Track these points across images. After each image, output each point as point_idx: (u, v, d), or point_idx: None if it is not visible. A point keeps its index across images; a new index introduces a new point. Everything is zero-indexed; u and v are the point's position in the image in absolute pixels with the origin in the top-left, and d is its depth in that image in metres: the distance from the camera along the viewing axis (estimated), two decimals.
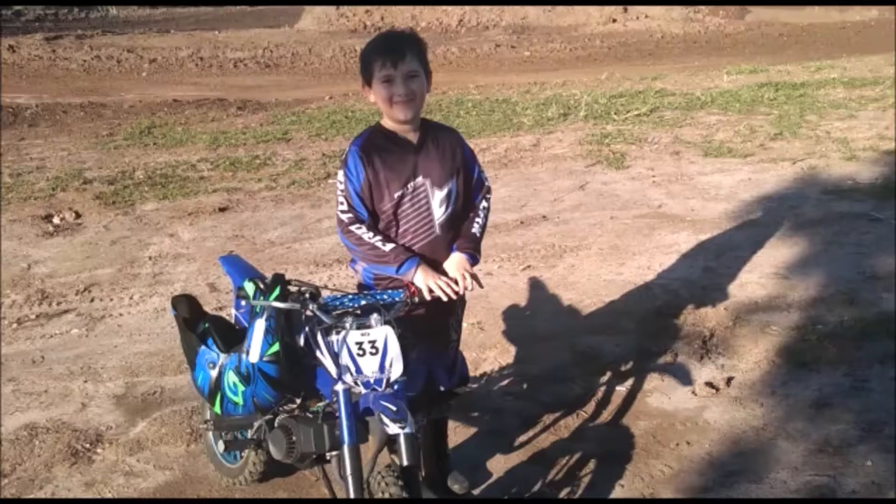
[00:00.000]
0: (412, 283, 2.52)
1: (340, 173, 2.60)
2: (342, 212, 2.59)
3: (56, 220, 6.25)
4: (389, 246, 2.54)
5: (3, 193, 6.91)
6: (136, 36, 20.33)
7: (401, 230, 2.61)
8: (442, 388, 2.81)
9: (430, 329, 2.68)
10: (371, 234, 2.55)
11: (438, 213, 2.61)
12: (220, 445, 2.97)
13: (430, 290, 2.51)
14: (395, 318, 2.44)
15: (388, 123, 2.62)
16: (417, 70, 2.53)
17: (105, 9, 29.17)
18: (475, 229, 2.69)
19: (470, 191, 2.70)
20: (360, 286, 2.75)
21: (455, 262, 2.61)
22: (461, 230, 2.68)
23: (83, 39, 19.27)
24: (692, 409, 3.52)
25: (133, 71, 16.14)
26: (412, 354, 2.52)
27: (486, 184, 2.78)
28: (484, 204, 2.74)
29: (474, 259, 2.65)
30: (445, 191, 2.61)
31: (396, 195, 2.56)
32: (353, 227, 2.57)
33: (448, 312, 2.73)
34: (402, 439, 2.31)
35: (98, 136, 9.39)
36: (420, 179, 2.58)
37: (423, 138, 2.62)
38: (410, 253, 2.56)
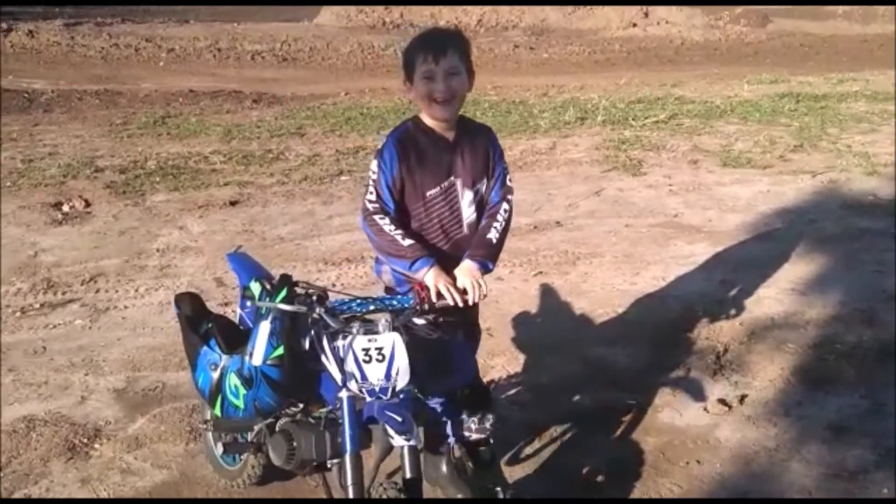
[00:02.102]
0: (421, 288, 2.44)
1: (374, 163, 2.56)
2: (369, 201, 2.56)
3: (65, 208, 6.21)
4: (408, 241, 2.50)
5: (14, 179, 6.88)
6: (155, 25, 20.33)
7: (430, 228, 2.58)
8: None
9: (465, 322, 2.65)
10: (393, 226, 2.52)
11: (467, 213, 2.61)
12: (220, 447, 2.90)
13: (439, 293, 2.43)
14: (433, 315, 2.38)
15: (426, 119, 2.58)
16: (459, 67, 2.49)
17: None
18: (491, 234, 2.61)
19: (489, 189, 2.65)
20: (388, 290, 2.70)
21: (465, 270, 2.52)
22: (478, 233, 2.61)
23: (102, 27, 19.27)
24: (703, 426, 3.43)
25: (150, 60, 16.14)
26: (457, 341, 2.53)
27: (509, 184, 2.70)
28: (504, 206, 2.66)
29: (486, 266, 2.55)
30: (474, 191, 2.60)
31: (429, 194, 2.55)
32: (376, 217, 2.53)
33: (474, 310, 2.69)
34: (405, 451, 2.24)
35: (112, 124, 9.37)
36: (452, 179, 2.57)
37: (459, 137, 2.60)
38: (427, 251, 2.50)
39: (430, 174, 2.55)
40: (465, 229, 2.61)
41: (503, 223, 2.63)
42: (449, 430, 2.51)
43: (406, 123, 2.64)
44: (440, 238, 2.59)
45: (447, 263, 2.54)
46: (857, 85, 12.04)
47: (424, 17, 22.67)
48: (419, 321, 2.45)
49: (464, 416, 2.53)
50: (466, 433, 2.55)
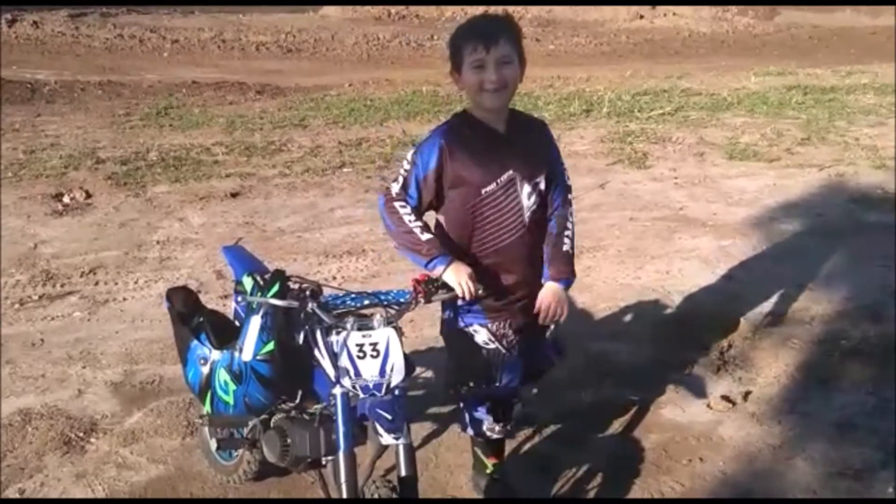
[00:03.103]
0: (417, 283, 2.39)
1: (410, 154, 2.49)
2: (394, 187, 2.49)
3: (66, 200, 6.18)
4: (427, 236, 2.43)
5: (15, 170, 6.86)
6: (160, 16, 20.27)
7: (487, 226, 2.49)
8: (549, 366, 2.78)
9: (533, 318, 2.58)
10: (413, 217, 2.45)
11: (528, 204, 2.49)
12: (214, 442, 2.87)
13: (435, 289, 2.39)
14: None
15: (475, 111, 2.49)
16: (510, 56, 2.39)
17: None
18: (567, 247, 2.57)
19: (553, 186, 2.56)
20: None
21: (550, 294, 2.52)
22: (552, 247, 2.56)
23: (107, 17, 19.22)
24: (706, 423, 3.38)
25: (155, 51, 16.08)
26: (514, 352, 2.56)
27: (568, 182, 2.64)
28: (570, 210, 2.61)
29: (569, 283, 2.57)
30: (533, 183, 2.49)
31: (485, 191, 2.44)
32: (397, 204, 2.47)
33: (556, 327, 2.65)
34: (399, 449, 2.20)
35: (115, 115, 9.33)
36: (511, 173, 2.46)
37: (511, 129, 2.50)
38: (444, 250, 2.43)
39: (484, 170, 2.44)
40: (527, 225, 2.51)
41: (573, 230, 2.60)
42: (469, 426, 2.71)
43: (452, 119, 2.55)
44: (500, 234, 2.49)
45: (509, 258, 2.50)
46: (866, 77, 11.92)
47: (430, 8, 22.56)
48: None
49: (487, 416, 2.65)
50: (488, 432, 2.71)
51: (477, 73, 2.38)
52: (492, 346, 2.57)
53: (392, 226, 2.49)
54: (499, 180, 2.44)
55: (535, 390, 3.59)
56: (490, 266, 2.51)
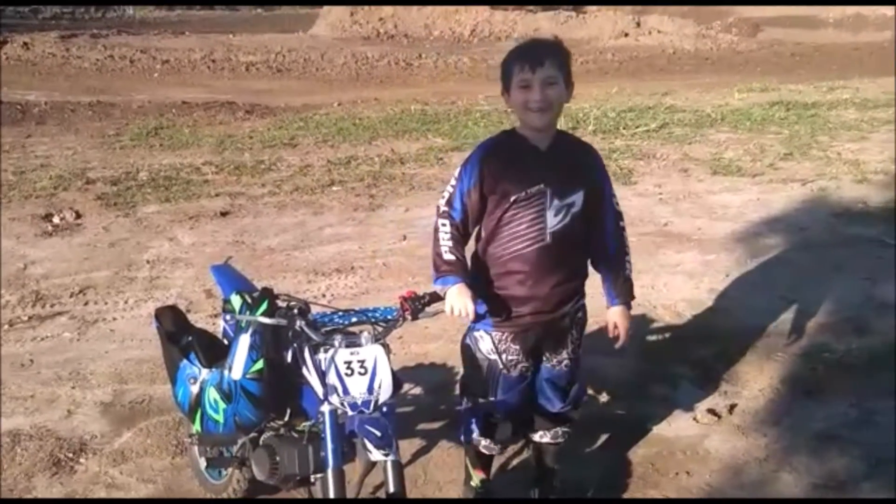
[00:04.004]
0: (404, 300, 2.43)
1: (458, 170, 2.58)
2: (441, 204, 2.59)
3: (56, 220, 6.19)
4: (449, 256, 2.52)
5: (5, 191, 6.86)
6: (150, 37, 20.37)
7: (506, 231, 2.54)
8: (552, 411, 2.76)
9: (543, 340, 2.65)
10: (447, 236, 2.54)
11: (552, 222, 2.52)
12: (204, 461, 2.88)
13: (422, 306, 2.44)
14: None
15: (522, 130, 2.57)
16: (556, 77, 2.47)
17: (122, 9, 29.32)
18: (627, 271, 2.69)
19: (597, 211, 2.62)
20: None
21: (619, 318, 2.70)
22: (613, 271, 2.67)
23: (98, 38, 19.31)
24: (693, 436, 3.41)
25: (145, 72, 16.14)
26: (514, 371, 2.61)
27: (618, 209, 2.70)
28: (625, 234, 2.70)
29: (630, 305, 2.72)
30: (566, 202, 2.53)
31: (514, 198, 2.51)
32: (439, 221, 2.57)
33: (567, 328, 2.68)
34: (388, 465, 2.23)
35: (105, 135, 9.36)
36: (541, 187, 2.51)
37: (554, 148, 2.57)
38: (459, 274, 2.50)
39: (517, 180, 2.51)
40: (549, 238, 2.52)
41: (629, 252, 2.71)
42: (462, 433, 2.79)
43: (499, 135, 2.66)
44: (518, 241, 2.54)
45: (524, 269, 2.54)
46: (847, 93, 12.07)
47: (419, 27, 22.75)
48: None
49: (476, 429, 2.71)
50: (476, 445, 2.78)
51: (523, 92, 2.47)
52: (492, 357, 2.63)
53: (433, 240, 2.59)
54: (528, 190, 2.51)
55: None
56: (503, 272, 2.58)
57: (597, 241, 2.67)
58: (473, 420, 2.74)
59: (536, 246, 2.53)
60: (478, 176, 2.52)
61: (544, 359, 2.70)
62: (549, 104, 2.47)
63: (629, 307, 2.72)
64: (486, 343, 2.63)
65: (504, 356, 2.62)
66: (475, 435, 2.75)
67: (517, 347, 2.62)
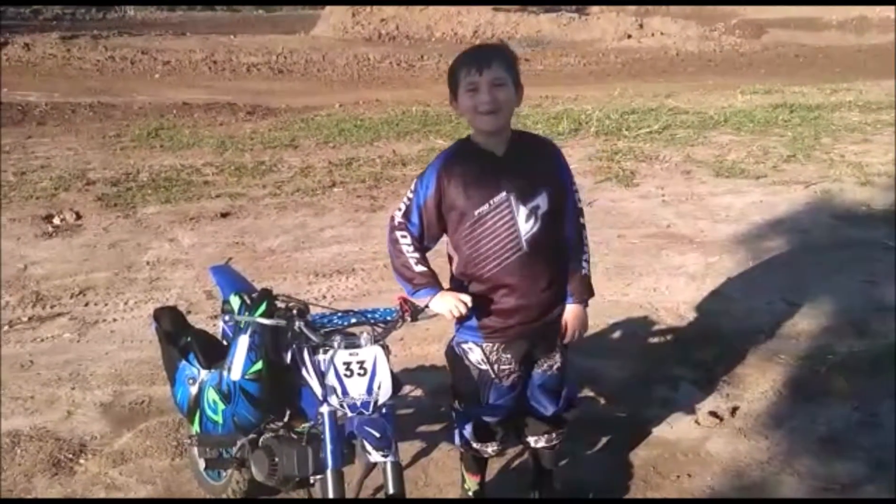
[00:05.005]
0: (403, 301, 2.42)
1: (414, 183, 2.54)
2: (397, 215, 2.54)
3: (56, 221, 6.19)
4: (420, 268, 2.48)
5: (5, 192, 6.86)
6: (151, 38, 20.39)
7: (484, 250, 2.48)
8: (545, 415, 2.72)
9: (533, 346, 2.61)
10: (411, 248, 2.49)
11: (525, 228, 2.46)
12: (203, 462, 2.87)
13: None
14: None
15: (475, 137, 2.52)
16: (504, 79, 2.42)
17: (123, 9, 29.35)
18: (585, 270, 2.63)
19: (562, 208, 2.56)
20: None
21: (574, 317, 2.62)
22: (570, 272, 2.60)
23: (99, 39, 19.31)
24: (694, 439, 3.40)
25: (146, 72, 16.15)
26: (506, 381, 2.58)
27: (580, 206, 2.66)
28: (584, 234, 2.65)
29: (587, 303, 2.66)
30: (532, 205, 2.47)
31: (477, 212, 2.45)
32: (398, 233, 2.51)
33: (558, 330, 2.63)
34: (387, 467, 2.21)
35: (105, 136, 9.36)
36: (504, 195, 2.45)
37: (511, 151, 2.51)
38: (435, 282, 2.47)
39: (479, 192, 2.45)
40: (525, 246, 2.46)
41: (588, 252, 2.66)
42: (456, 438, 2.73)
43: (454, 144, 2.60)
44: (497, 258, 2.48)
45: (507, 281, 2.49)
46: (851, 95, 12.05)
47: (420, 28, 22.75)
48: None
49: (471, 435, 2.67)
50: (471, 449, 2.74)
51: (471, 96, 2.41)
52: (483, 367, 2.58)
53: (392, 253, 2.54)
54: (491, 201, 2.45)
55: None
56: (488, 288, 2.52)
57: None
58: (466, 425, 2.70)
59: (515, 256, 2.48)
60: (435, 189, 2.47)
61: (536, 365, 2.66)
62: (499, 106, 2.41)
63: (585, 305, 2.65)
64: (475, 354, 2.58)
65: (496, 366, 2.58)
66: (468, 440, 2.71)
67: (509, 356, 2.58)
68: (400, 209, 2.54)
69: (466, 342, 2.59)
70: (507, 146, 2.51)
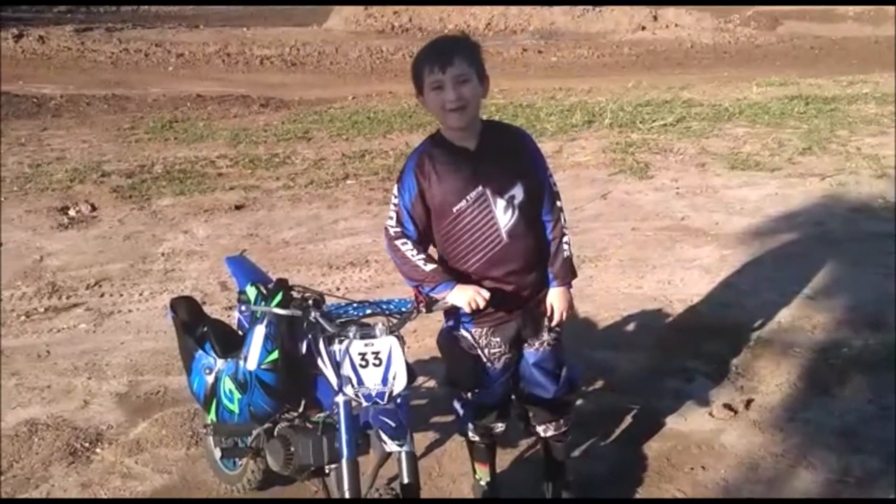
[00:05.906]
0: (419, 292, 2.43)
1: (395, 188, 2.54)
2: (390, 225, 2.55)
3: (71, 213, 6.24)
4: (430, 266, 2.49)
5: (21, 184, 6.91)
6: (165, 30, 20.41)
7: (465, 243, 2.51)
8: (547, 398, 2.72)
9: (522, 328, 2.62)
10: (415, 251, 2.51)
11: (504, 220, 2.49)
12: (218, 451, 2.89)
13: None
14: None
15: (445, 132, 2.53)
16: (468, 74, 2.42)
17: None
18: (566, 253, 2.62)
19: (538, 195, 2.57)
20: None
21: (558, 298, 2.61)
22: (552, 256, 2.61)
23: (113, 32, 19.36)
24: (708, 431, 3.39)
25: (160, 65, 16.19)
26: (498, 364, 2.59)
27: (555, 189, 2.66)
28: (562, 218, 2.64)
29: (571, 284, 2.65)
30: (508, 196, 2.49)
31: (456, 209, 2.48)
32: (398, 242, 2.52)
33: (542, 315, 2.64)
34: (402, 457, 2.22)
35: (120, 128, 9.40)
36: (480, 189, 2.47)
37: (483, 144, 2.52)
38: (448, 276, 2.49)
39: (455, 188, 2.47)
40: (506, 237, 2.50)
41: (568, 235, 2.65)
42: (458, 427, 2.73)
43: (424, 142, 2.60)
44: (479, 252, 2.51)
45: (492, 273, 2.51)
46: (867, 87, 11.93)
47: (433, 20, 22.69)
48: None
49: (470, 422, 2.69)
50: (471, 437, 2.75)
51: (437, 94, 2.42)
52: (474, 352, 2.62)
53: (399, 263, 2.56)
54: (468, 197, 2.47)
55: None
56: (473, 281, 2.53)
57: None
58: (465, 413, 2.73)
59: (497, 248, 2.51)
60: (417, 190, 2.49)
61: (526, 345, 2.67)
62: (466, 102, 2.42)
63: (569, 287, 2.65)
64: (466, 340, 2.61)
65: (486, 350, 2.61)
66: (469, 427, 2.74)
67: (498, 339, 2.61)
68: (391, 218, 2.55)
69: (456, 329, 2.63)
70: (479, 139, 2.52)
